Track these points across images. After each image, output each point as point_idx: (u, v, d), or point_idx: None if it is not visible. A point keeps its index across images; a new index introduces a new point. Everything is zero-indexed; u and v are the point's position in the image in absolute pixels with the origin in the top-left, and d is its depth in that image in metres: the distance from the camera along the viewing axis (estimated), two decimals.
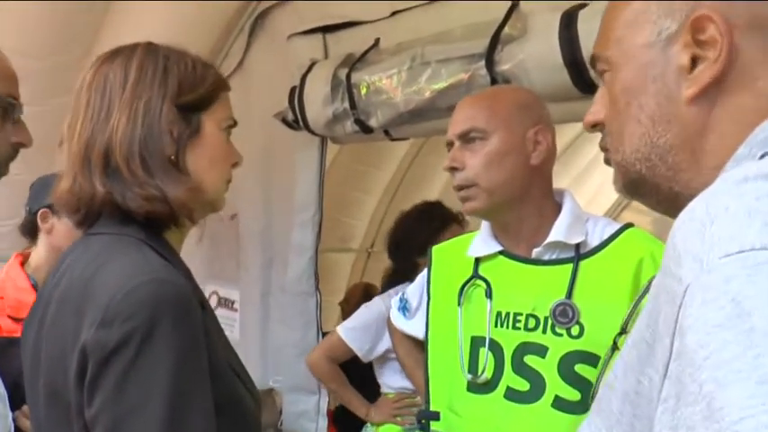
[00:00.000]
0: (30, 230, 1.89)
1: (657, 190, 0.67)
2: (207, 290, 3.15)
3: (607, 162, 0.76)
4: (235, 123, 1.07)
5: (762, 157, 0.57)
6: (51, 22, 2.48)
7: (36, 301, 1.01)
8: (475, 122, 1.32)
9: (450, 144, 1.37)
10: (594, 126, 0.75)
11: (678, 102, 0.64)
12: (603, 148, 0.77)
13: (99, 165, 0.95)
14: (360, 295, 3.54)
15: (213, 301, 3.13)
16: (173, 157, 0.97)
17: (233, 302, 3.06)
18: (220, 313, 3.08)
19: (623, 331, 0.93)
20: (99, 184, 0.94)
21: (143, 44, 1.01)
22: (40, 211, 1.85)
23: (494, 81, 1.89)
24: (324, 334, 2.70)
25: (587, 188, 5.15)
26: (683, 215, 0.53)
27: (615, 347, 0.93)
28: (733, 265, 0.46)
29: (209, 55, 2.96)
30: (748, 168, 0.53)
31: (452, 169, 1.34)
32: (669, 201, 0.67)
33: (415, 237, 2.29)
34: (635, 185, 0.69)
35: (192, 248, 3.14)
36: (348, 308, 3.37)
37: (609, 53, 0.70)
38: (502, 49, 1.90)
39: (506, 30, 1.92)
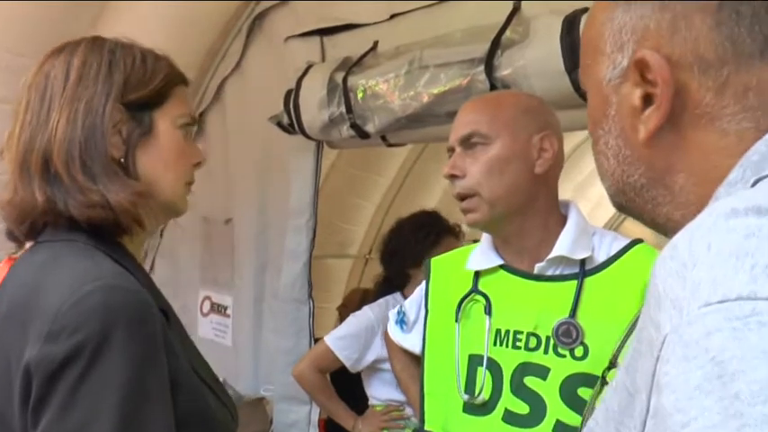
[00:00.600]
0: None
1: (642, 218, 0.64)
2: (200, 295, 3.09)
3: None
4: (194, 120, 1.01)
5: (754, 183, 0.51)
6: (46, 21, 2.42)
7: None
8: (477, 127, 1.25)
9: (450, 150, 1.29)
10: None
11: (635, 144, 0.59)
12: None
13: (38, 171, 0.88)
14: (358, 301, 3.48)
15: (206, 307, 3.07)
16: (122, 160, 0.91)
17: (226, 308, 3.00)
18: (213, 319, 3.02)
19: (612, 365, 0.86)
20: (38, 192, 0.88)
21: (88, 38, 0.95)
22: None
23: (493, 87, 1.83)
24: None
25: (588, 198, 5.10)
26: (665, 251, 0.47)
27: (604, 382, 0.86)
28: (715, 316, 0.40)
29: (207, 56, 2.91)
30: (737, 199, 0.47)
31: (452, 177, 1.27)
32: (657, 227, 0.63)
33: (409, 247, 2.24)
34: (623, 210, 0.66)
35: (188, 253, 3.09)
36: (346, 313, 3.32)
37: (583, 79, 0.66)
38: (502, 54, 1.84)
39: (507, 34, 1.86)
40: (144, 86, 0.94)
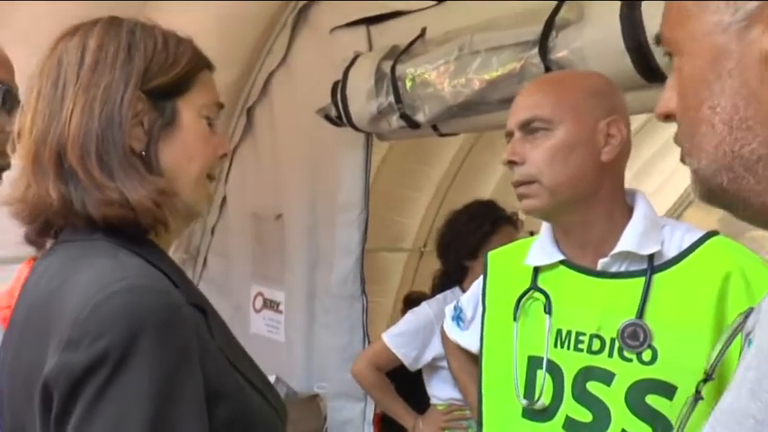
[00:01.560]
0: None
1: (746, 204, 0.54)
2: (252, 291, 3.08)
3: (682, 159, 0.61)
4: (221, 106, 0.92)
5: None
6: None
7: (7, 327, 0.88)
8: (539, 111, 1.15)
9: (509, 135, 1.20)
10: (668, 117, 0.61)
11: (763, 101, 0.50)
12: (677, 142, 0.62)
13: (52, 166, 0.81)
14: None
15: (258, 303, 3.06)
16: (143, 153, 0.83)
17: (278, 304, 2.97)
18: (266, 315, 3.00)
19: (708, 377, 0.76)
20: (53, 188, 0.80)
21: (104, 19, 0.86)
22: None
23: (548, 70, 1.73)
24: (370, 339, 2.59)
25: (649, 184, 4.91)
26: None
27: (699, 397, 0.76)
28: None
29: (253, 51, 2.88)
30: None
31: (511, 163, 1.18)
32: (759, 216, 0.53)
33: (464, 239, 2.16)
34: (716, 196, 0.56)
35: (240, 250, 3.08)
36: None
37: (674, 34, 0.56)
38: (557, 35, 1.73)
39: (562, 14, 1.75)
40: (166, 72, 0.85)
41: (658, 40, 0.61)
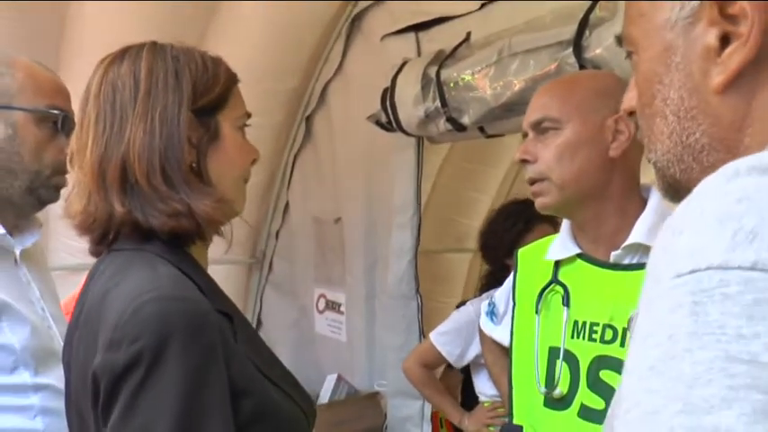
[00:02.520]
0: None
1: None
2: (315, 293, 3.20)
3: (648, 158, 0.66)
4: (249, 116, 1.01)
5: None
6: (157, 30, 2.58)
7: (69, 324, 1.01)
8: (547, 111, 1.21)
9: (525, 135, 1.27)
10: (632, 113, 0.64)
11: (705, 92, 0.53)
12: (641, 141, 0.66)
13: (116, 181, 0.90)
14: None
15: (321, 304, 3.17)
16: (193, 166, 0.93)
17: (340, 305, 3.07)
18: (328, 316, 3.11)
19: None
20: (117, 202, 0.90)
21: (148, 45, 0.96)
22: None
23: (582, 68, 1.75)
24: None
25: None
26: (668, 218, 0.43)
27: None
28: (682, 289, 0.37)
29: (310, 61, 3.00)
30: (746, 159, 0.42)
31: (524, 162, 1.24)
32: None
33: (500, 238, 2.20)
34: (673, 189, 0.59)
35: (303, 253, 3.19)
36: None
37: (632, 31, 0.59)
38: (590, 34, 1.75)
39: (596, 12, 1.77)
40: (210, 91, 0.95)
41: (620, 40, 0.64)
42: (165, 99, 0.92)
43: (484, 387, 2.19)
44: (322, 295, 3.16)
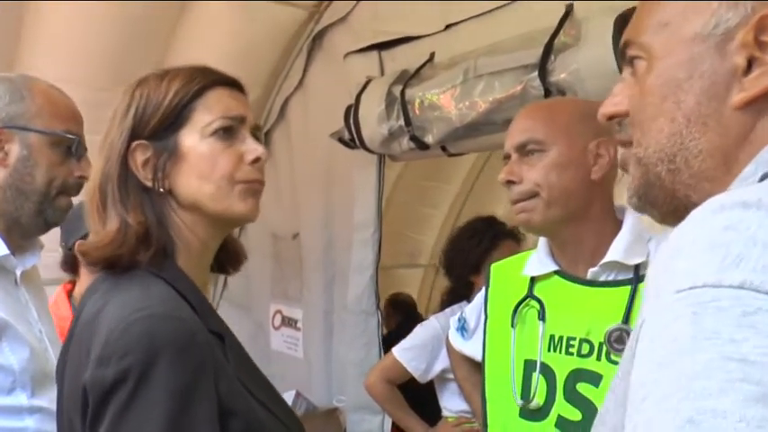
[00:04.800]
0: (71, 265, 1.93)
1: (672, 198, 0.62)
2: (271, 309, 3.18)
3: (623, 167, 0.68)
4: (233, 120, 0.96)
5: (762, 178, 0.53)
6: (119, 54, 2.56)
7: (65, 339, 1.01)
8: (533, 134, 1.25)
9: (507, 157, 1.29)
10: (612, 118, 0.69)
11: (723, 105, 0.58)
12: (622, 143, 0.68)
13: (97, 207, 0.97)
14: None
15: (277, 321, 3.15)
16: (160, 189, 0.95)
17: (296, 321, 3.07)
18: (284, 332, 3.10)
19: None
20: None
21: (136, 81, 0.99)
22: (77, 243, 1.87)
23: (547, 92, 1.82)
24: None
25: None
26: (663, 244, 0.50)
27: None
28: (683, 302, 0.44)
29: (270, 76, 3.01)
30: (730, 194, 0.49)
31: (509, 183, 1.27)
32: (679, 212, 0.60)
33: (466, 255, 2.24)
34: (649, 188, 0.63)
35: (260, 269, 3.18)
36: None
37: (648, 39, 0.63)
38: (555, 59, 1.82)
39: (560, 38, 1.84)
40: (154, 116, 0.95)
41: (624, 47, 0.67)
42: (113, 134, 0.97)
43: (448, 402, 2.22)
44: (278, 311, 3.15)
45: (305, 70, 2.97)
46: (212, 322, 0.93)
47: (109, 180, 0.96)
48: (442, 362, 2.15)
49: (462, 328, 1.63)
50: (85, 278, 1.92)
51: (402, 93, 2.33)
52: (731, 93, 0.57)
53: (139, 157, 0.95)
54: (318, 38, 2.90)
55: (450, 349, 1.79)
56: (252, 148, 0.98)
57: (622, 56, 0.68)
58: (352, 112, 2.49)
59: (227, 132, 0.96)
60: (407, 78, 2.37)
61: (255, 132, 1.01)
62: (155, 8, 2.54)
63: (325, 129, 2.74)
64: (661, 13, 0.62)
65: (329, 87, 2.86)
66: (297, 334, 3.04)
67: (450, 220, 4.38)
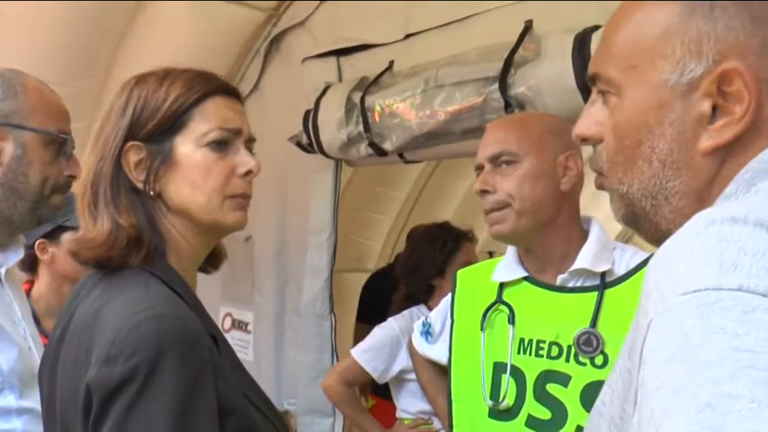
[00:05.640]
0: (29, 265, 1.89)
1: (656, 228, 0.67)
2: (221, 312, 3.15)
3: (600, 186, 0.73)
4: (229, 132, 0.98)
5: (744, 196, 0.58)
6: (70, 50, 2.51)
7: (50, 339, 1.00)
8: (506, 145, 1.31)
9: (479, 168, 1.35)
10: (585, 140, 0.73)
11: (693, 151, 0.63)
12: (596, 171, 0.73)
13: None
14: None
15: (227, 324, 3.13)
16: (148, 189, 0.95)
17: (246, 324, 3.05)
18: (234, 335, 3.08)
19: None
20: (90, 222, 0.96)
21: (138, 75, 0.99)
22: (37, 242, 1.85)
23: (507, 104, 1.89)
24: (338, 356, 2.70)
25: (596, 213, 5.11)
26: (658, 253, 0.55)
27: None
28: (689, 303, 0.49)
29: (226, 78, 2.98)
30: (718, 210, 0.54)
31: (483, 192, 1.32)
32: (664, 239, 0.65)
33: (430, 259, 2.29)
34: (636, 218, 0.69)
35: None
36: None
37: (617, 77, 0.66)
38: (515, 72, 1.90)
39: (520, 52, 1.91)
40: (153, 118, 0.95)
41: (593, 78, 0.70)
42: (108, 131, 0.97)
43: (405, 404, 2.25)
44: (228, 314, 3.13)
45: (261, 73, 2.96)
46: (207, 323, 0.95)
47: (101, 178, 0.95)
48: (401, 363, 2.19)
49: (427, 333, 1.68)
50: (44, 279, 1.88)
51: (362, 99, 2.36)
52: (699, 139, 0.62)
53: (132, 157, 0.95)
54: (276, 41, 2.91)
55: (413, 353, 1.83)
56: (245, 160, 0.99)
57: (591, 82, 0.71)
58: (311, 117, 2.51)
59: (222, 144, 0.97)
60: (367, 85, 2.40)
61: (249, 144, 1.02)
62: (110, 4, 2.50)
63: (280, 132, 2.74)
64: (629, 53, 0.65)
65: (286, 91, 2.86)
66: (247, 337, 3.03)
67: (397, 226, 4.43)
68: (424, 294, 2.31)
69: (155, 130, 0.95)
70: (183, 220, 0.97)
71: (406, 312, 2.30)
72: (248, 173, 0.99)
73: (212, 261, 1.12)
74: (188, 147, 0.96)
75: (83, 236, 0.95)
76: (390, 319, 2.32)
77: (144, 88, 0.97)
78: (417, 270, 2.33)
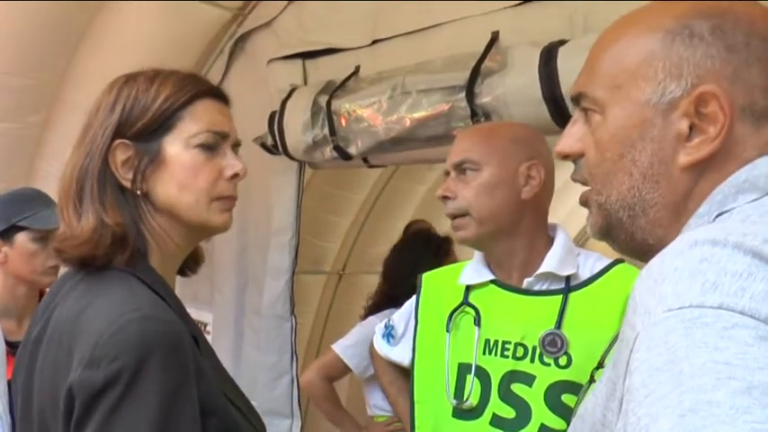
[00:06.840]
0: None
1: (632, 238, 0.72)
2: None
3: (583, 203, 0.77)
4: (218, 135, 0.99)
5: (716, 217, 0.64)
6: (32, 42, 2.46)
7: (25, 338, 0.99)
8: (469, 154, 1.36)
9: (447, 174, 1.41)
10: (566, 157, 0.77)
11: (671, 166, 0.68)
12: (579, 182, 0.77)
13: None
14: None
15: None
16: (137, 191, 0.96)
17: (206, 325, 3.03)
18: None
19: (600, 365, 0.97)
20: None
21: (127, 75, 1.00)
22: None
23: (474, 113, 1.94)
24: (298, 357, 2.71)
25: (555, 217, 5.23)
26: (644, 271, 0.59)
27: (592, 380, 0.97)
28: (674, 319, 0.53)
29: None
30: (700, 232, 0.59)
31: (444, 198, 1.37)
32: (638, 249, 0.72)
33: (426, 261, 2.31)
34: (612, 229, 0.73)
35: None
36: None
37: (602, 96, 0.71)
38: (482, 82, 1.95)
39: (486, 63, 1.97)
40: (142, 117, 0.96)
41: (577, 98, 0.75)
42: (96, 128, 0.97)
43: (381, 402, 2.27)
44: None
45: (225, 72, 2.95)
46: (189, 325, 0.96)
47: (88, 175, 0.95)
48: None
49: (389, 335, 1.71)
50: None
51: (328, 103, 2.38)
52: (678, 155, 0.67)
53: (120, 156, 0.96)
54: (241, 41, 2.90)
55: (375, 355, 1.86)
56: (232, 163, 1.01)
57: (575, 102, 0.76)
58: (276, 119, 2.52)
59: (211, 146, 0.99)
60: (333, 89, 2.43)
61: (235, 148, 1.04)
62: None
63: (243, 133, 2.71)
64: (614, 74, 0.70)
65: (249, 92, 2.85)
66: (207, 337, 3.01)
67: (354, 229, 4.45)
68: (406, 296, 2.34)
69: (144, 129, 0.96)
70: (170, 219, 0.98)
71: (387, 311, 2.32)
72: (235, 176, 1.01)
73: (191, 264, 1.13)
74: (177, 147, 0.97)
75: (66, 233, 0.94)
76: (372, 317, 2.35)
77: (134, 87, 0.97)
78: (413, 273, 2.35)
